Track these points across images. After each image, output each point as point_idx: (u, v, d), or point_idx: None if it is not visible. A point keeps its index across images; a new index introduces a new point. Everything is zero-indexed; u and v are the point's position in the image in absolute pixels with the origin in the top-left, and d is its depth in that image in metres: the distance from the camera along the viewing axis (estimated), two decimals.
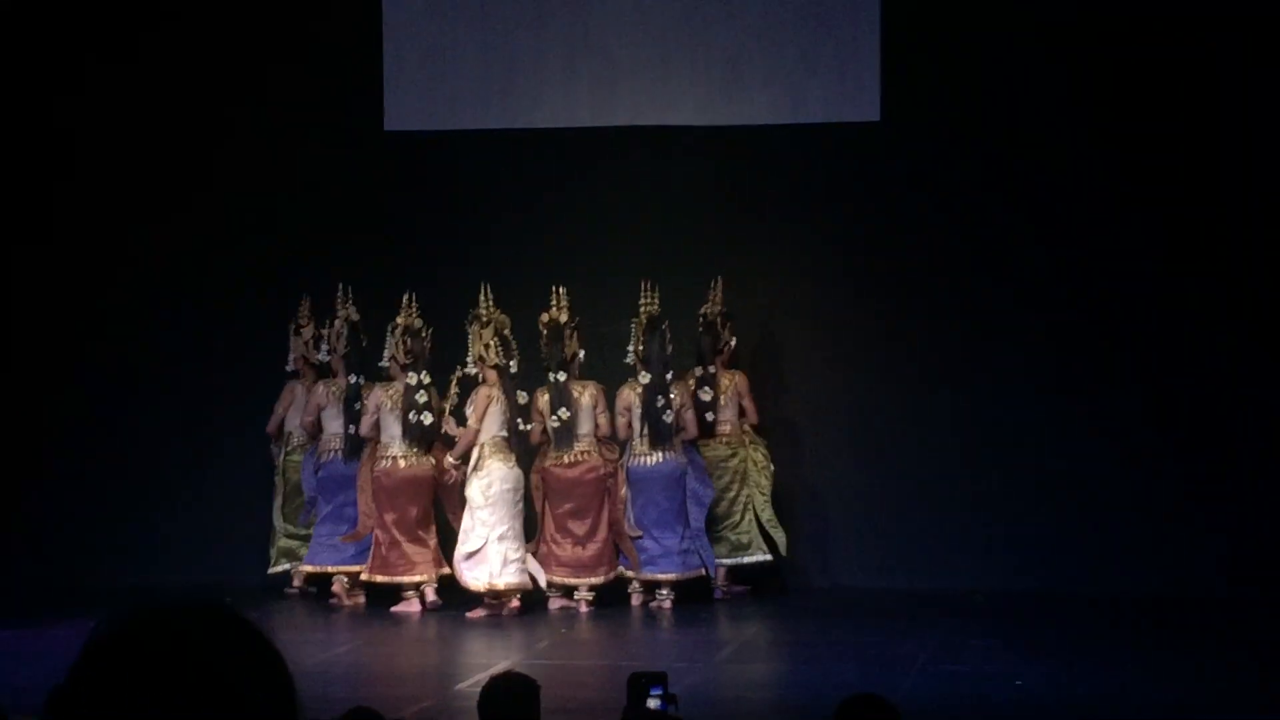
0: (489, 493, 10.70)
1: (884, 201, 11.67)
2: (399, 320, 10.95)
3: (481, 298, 10.85)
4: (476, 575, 10.69)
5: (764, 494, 11.18)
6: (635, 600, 10.95)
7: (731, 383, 11.18)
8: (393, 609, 10.93)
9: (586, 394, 10.89)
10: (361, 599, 11.13)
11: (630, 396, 10.93)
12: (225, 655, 1.76)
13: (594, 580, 10.85)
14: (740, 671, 9.40)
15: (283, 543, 11.52)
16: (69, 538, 11.84)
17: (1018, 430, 11.49)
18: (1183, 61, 11.29)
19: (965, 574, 11.31)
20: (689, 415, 10.94)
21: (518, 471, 10.81)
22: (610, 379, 11.10)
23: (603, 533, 10.85)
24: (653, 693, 4.57)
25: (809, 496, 11.73)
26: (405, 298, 11.01)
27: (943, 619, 10.49)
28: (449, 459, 10.82)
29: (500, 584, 10.67)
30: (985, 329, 11.57)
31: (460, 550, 10.74)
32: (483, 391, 10.79)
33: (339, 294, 11.23)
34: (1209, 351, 11.28)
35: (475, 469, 10.75)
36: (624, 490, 10.92)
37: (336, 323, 11.25)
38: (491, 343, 10.80)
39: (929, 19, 11.57)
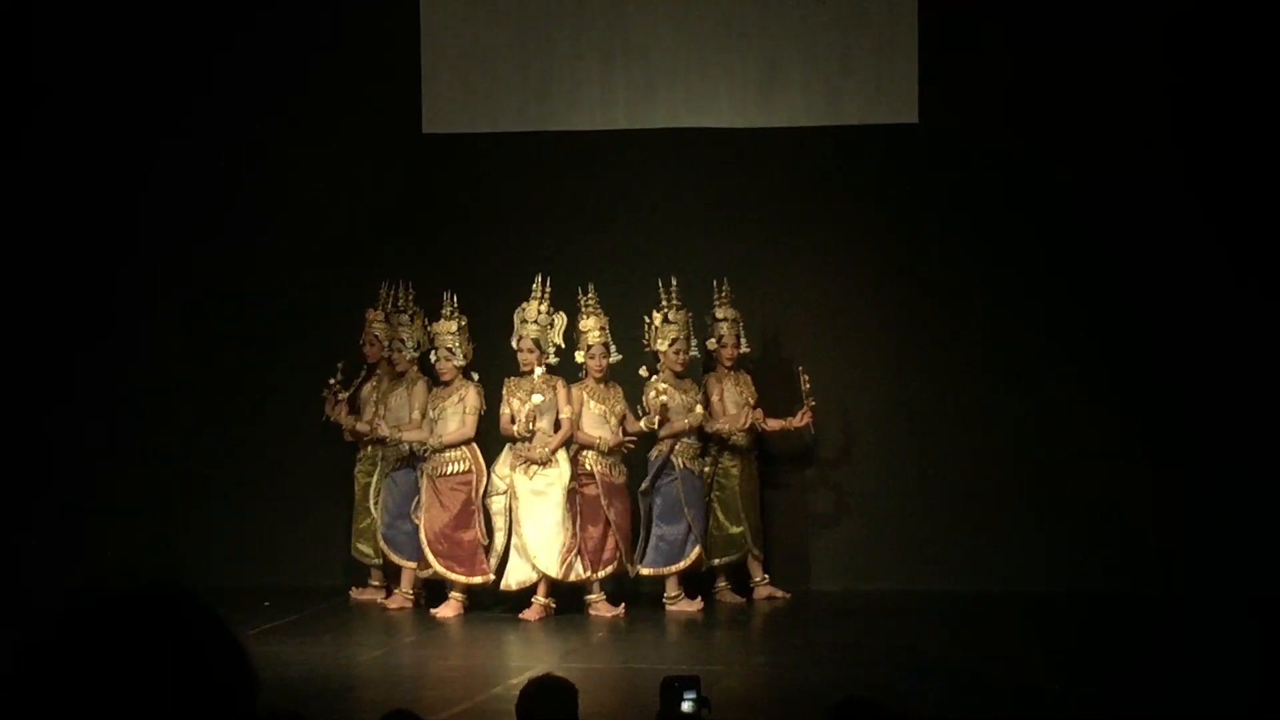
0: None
1: (922, 204, 11.67)
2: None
3: (539, 289, 10.92)
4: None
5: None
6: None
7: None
8: (434, 611, 10.99)
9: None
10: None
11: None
12: (178, 638, 1.76)
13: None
14: (774, 675, 9.41)
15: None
16: (117, 539, 11.89)
17: (1051, 434, 11.49)
18: (1225, 62, 11.28)
19: (993, 576, 11.31)
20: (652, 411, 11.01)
21: None
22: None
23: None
24: (686, 696, 4.59)
25: (833, 500, 11.74)
26: (447, 297, 11.08)
27: (975, 622, 10.50)
28: (546, 451, 10.87)
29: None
30: (1022, 332, 11.57)
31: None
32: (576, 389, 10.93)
33: (405, 293, 11.26)
34: (1248, 355, 11.27)
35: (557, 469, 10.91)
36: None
37: (410, 319, 11.22)
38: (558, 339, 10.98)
39: (966, 21, 11.57)
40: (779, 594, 11.29)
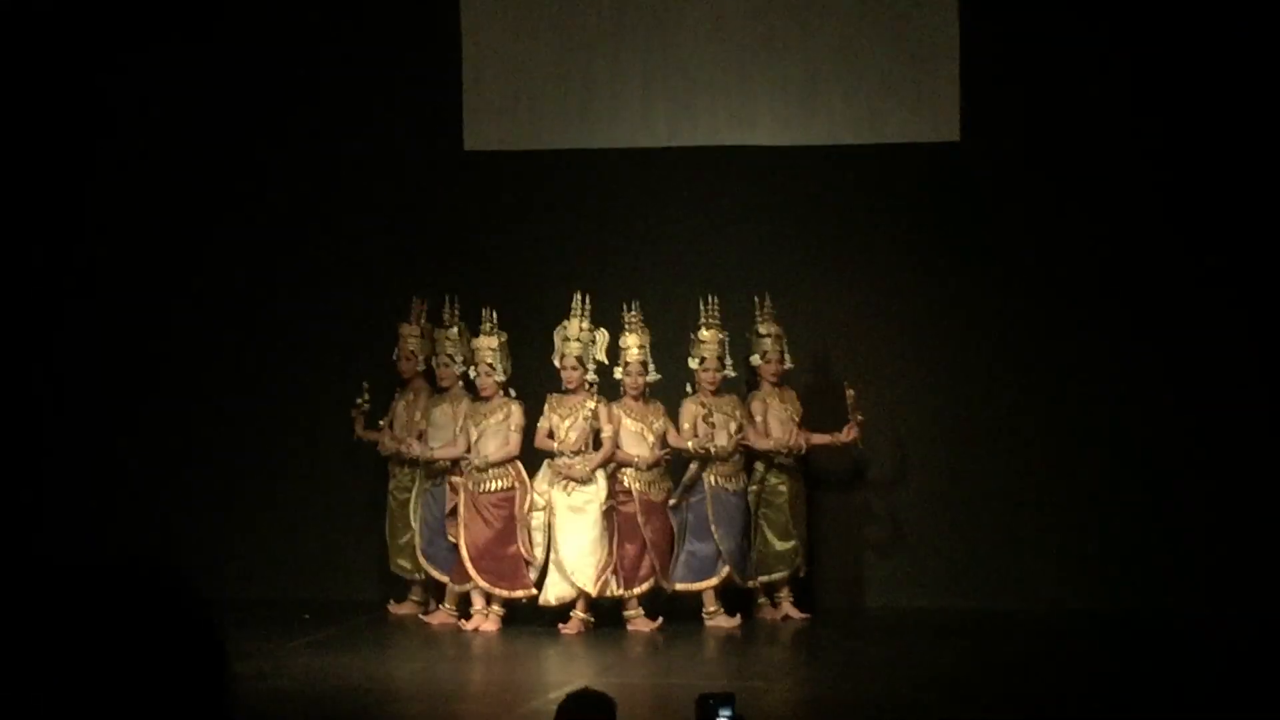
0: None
1: (963, 222, 11.67)
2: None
3: (578, 306, 10.94)
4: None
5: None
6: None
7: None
8: (467, 625, 11.02)
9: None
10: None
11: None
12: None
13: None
14: (812, 693, 9.38)
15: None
16: (156, 553, 11.95)
17: (1101, 451, 11.46)
18: (1270, 81, 11.25)
19: (1039, 594, 11.30)
20: (684, 430, 11.01)
21: None
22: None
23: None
24: (721, 714, 4.59)
25: (879, 517, 11.72)
26: (486, 312, 11.11)
27: (1018, 641, 10.48)
28: (586, 470, 10.92)
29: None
30: (1068, 350, 11.54)
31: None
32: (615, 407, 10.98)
33: (452, 308, 11.26)
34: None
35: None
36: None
37: (457, 334, 11.22)
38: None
39: (1009, 38, 11.56)
40: (797, 614, 11.24)
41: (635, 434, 10.97)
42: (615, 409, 10.98)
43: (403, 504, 11.45)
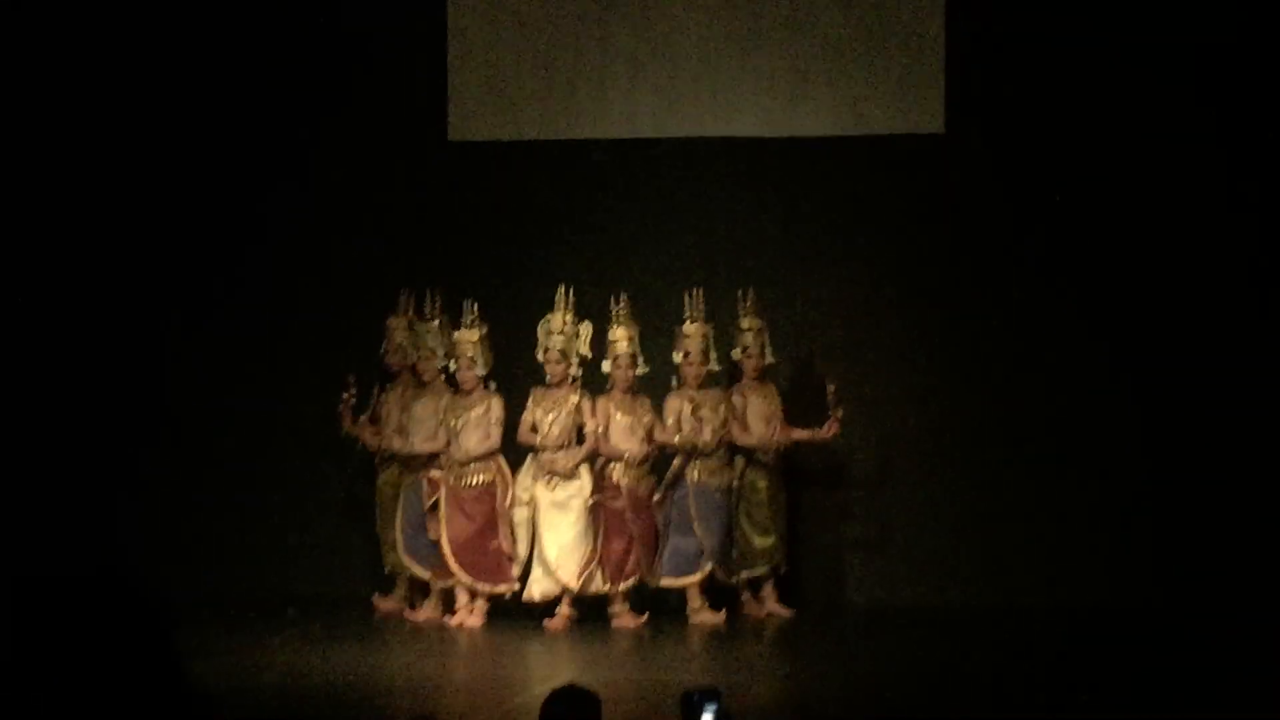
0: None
1: (947, 214, 11.66)
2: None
3: (562, 299, 10.89)
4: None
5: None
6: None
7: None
8: (451, 620, 10.98)
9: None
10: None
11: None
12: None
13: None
14: (798, 688, 9.37)
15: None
16: (140, 546, 11.91)
17: (1086, 446, 11.46)
18: (1254, 70, 11.25)
19: (1024, 590, 11.30)
20: (669, 425, 10.97)
21: None
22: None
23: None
24: (707, 709, 4.54)
25: (863, 513, 11.71)
26: (467, 304, 11.06)
27: (1003, 636, 10.48)
28: (570, 465, 10.87)
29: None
30: (1051, 343, 11.53)
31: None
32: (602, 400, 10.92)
33: (434, 301, 11.20)
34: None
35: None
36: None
37: (439, 328, 11.17)
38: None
39: (994, 30, 11.55)
40: (781, 611, 11.21)
41: (625, 428, 10.92)
42: (602, 403, 10.94)
43: (392, 499, 11.41)
